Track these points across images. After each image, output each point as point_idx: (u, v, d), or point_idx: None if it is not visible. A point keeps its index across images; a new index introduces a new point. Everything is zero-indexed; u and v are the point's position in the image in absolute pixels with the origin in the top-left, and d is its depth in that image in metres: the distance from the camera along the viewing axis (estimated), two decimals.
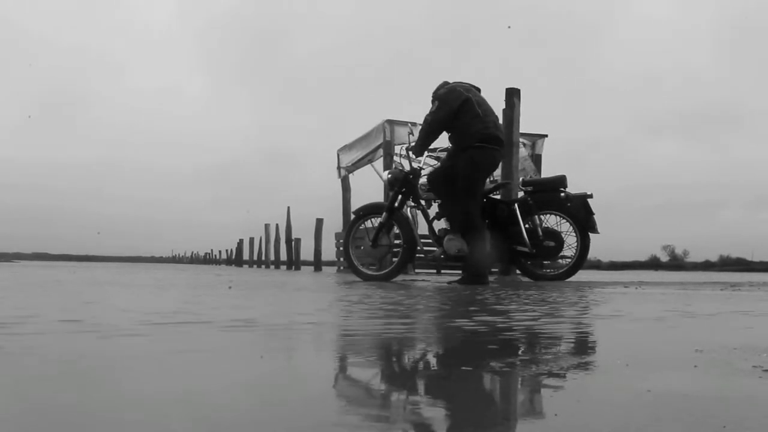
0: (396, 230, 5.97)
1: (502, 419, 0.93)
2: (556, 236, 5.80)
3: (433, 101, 5.46)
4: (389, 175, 5.96)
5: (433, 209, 5.87)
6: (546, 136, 10.23)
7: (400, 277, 6.21)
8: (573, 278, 5.94)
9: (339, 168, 11.61)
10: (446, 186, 5.48)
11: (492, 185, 6.03)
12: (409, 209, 5.92)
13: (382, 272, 6.02)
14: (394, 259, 6.06)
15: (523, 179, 6.53)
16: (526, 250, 5.74)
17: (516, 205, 5.83)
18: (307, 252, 18.83)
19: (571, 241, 5.85)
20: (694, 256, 71.90)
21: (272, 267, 22.26)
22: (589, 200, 5.84)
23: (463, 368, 1.30)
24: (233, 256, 38.15)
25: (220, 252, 48.67)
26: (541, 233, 5.76)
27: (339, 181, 11.73)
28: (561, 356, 1.47)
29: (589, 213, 5.80)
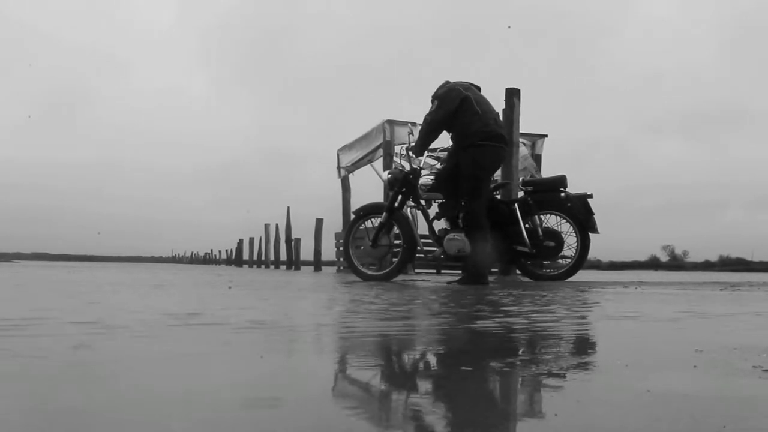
0: (396, 230, 5.97)
1: (502, 419, 0.93)
2: (556, 236, 5.80)
3: (432, 101, 5.46)
4: (389, 175, 5.96)
5: (433, 209, 5.87)
6: (546, 136, 10.23)
7: (400, 277, 6.21)
8: (573, 278, 5.94)
9: (339, 168, 11.60)
10: (451, 185, 5.50)
11: (492, 185, 6.02)
12: (409, 209, 5.92)
13: (382, 272, 6.02)
14: (394, 259, 6.06)
15: (523, 179, 6.52)
16: (526, 250, 5.74)
17: (516, 205, 5.83)
18: (307, 252, 18.84)
19: (571, 241, 5.85)
20: (694, 256, 71.92)
21: (272, 267, 22.25)
22: (589, 200, 5.84)
23: (463, 368, 1.30)
24: (233, 256, 38.13)
25: (220, 252, 48.72)
26: (541, 233, 5.76)
27: (339, 181, 11.73)
28: (561, 356, 1.47)
29: (590, 213, 5.80)
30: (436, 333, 1.99)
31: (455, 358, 1.52)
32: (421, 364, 1.44)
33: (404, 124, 8.62)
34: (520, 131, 7.13)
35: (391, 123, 9.28)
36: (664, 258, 73.69)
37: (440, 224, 5.82)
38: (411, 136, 5.95)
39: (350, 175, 11.57)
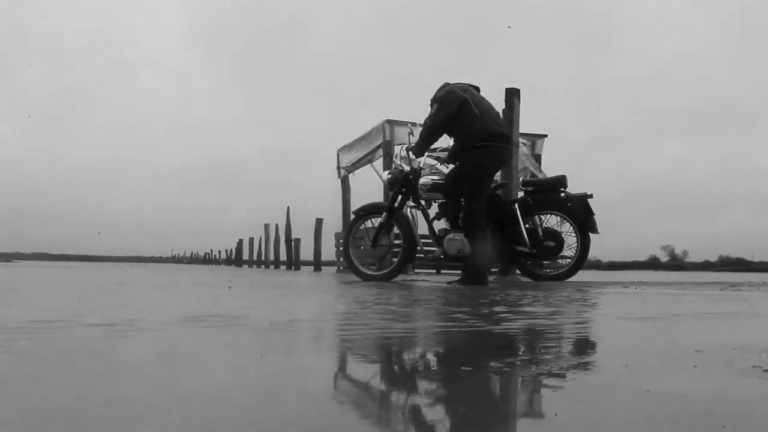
0: (396, 230, 5.96)
1: (501, 419, 0.93)
2: (556, 236, 5.80)
3: (431, 104, 5.48)
4: (389, 176, 5.95)
5: (433, 209, 5.87)
6: (545, 136, 10.23)
7: (400, 277, 6.21)
8: (573, 278, 5.94)
9: (339, 168, 11.60)
10: (452, 186, 5.51)
11: (492, 185, 6.02)
12: (409, 209, 5.92)
13: (382, 272, 6.01)
14: (394, 259, 6.06)
15: (523, 179, 6.52)
16: (526, 250, 5.73)
17: (516, 205, 5.83)
18: (306, 252, 18.82)
19: (571, 241, 5.85)
20: (694, 257, 71.90)
21: (272, 267, 22.25)
22: (589, 200, 5.84)
23: (463, 368, 1.30)
24: (233, 256, 38.12)
25: (219, 252, 48.69)
26: (541, 233, 5.76)
27: (339, 181, 11.73)
28: (561, 356, 1.47)
29: (590, 213, 5.80)
30: (437, 333, 1.99)
31: (455, 358, 1.52)
32: (421, 365, 1.44)
33: (404, 124, 8.61)
34: (520, 131, 7.13)
35: (391, 123, 9.28)
36: (664, 258, 73.70)
37: (440, 224, 5.82)
38: (411, 136, 5.95)
39: (350, 175, 11.57)
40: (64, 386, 1.08)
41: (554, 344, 1.73)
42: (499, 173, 6.50)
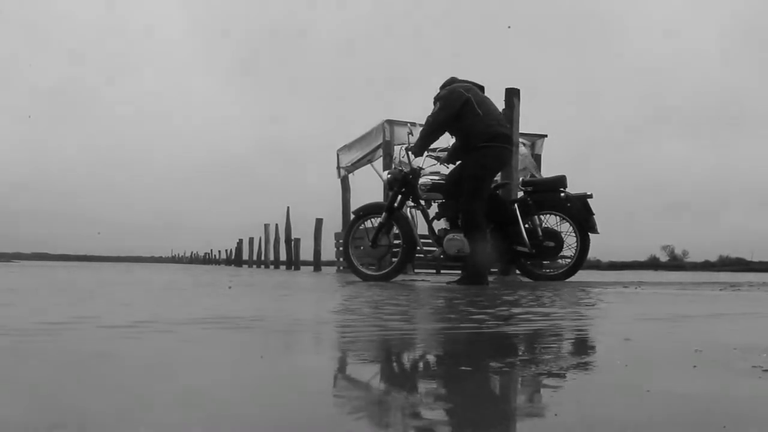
0: (396, 230, 5.96)
1: (501, 419, 0.93)
2: (555, 236, 5.80)
3: (434, 102, 5.46)
4: (389, 175, 5.95)
5: (433, 209, 5.87)
6: (545, 136, 10.22)
7: (399, 277, 6.21)
8: (572, 278, 5.94)
9: (339, 168, 11.60)
10: (453, 187, 5.52)
11: (492, 185, 6.02)
12: (408, 209, 5.91)
13: (382, 272, 6.01)
14: (394, 259, 6.06)
15: (522, 179, 6.52)
16: (525, 250, 5.73)
17: (516, 205, 5.82)
18: (306, 252, 18.80)
19: (570, 241, 5.84)
20: (694, 256, 71.89)
21: (272, 267, 22.25)
22: (588, 200, 5.84)
23: (462, 368, 1.30)
24: (233, 256, 38.12)
25: (219, 252, 48.67)
26: (540, 233, 5.76)
27: (339, 181, 11.73)
28: (560, 356, 1.47)
29: (589, 213, 5.80)
30: (437, 334, 1.99)
31: (455, 358, 1.52)
32: (421, 365, 1.44)
33: (404, 124, 8.61)
34: (520, 131, 7.13)
35: (391, 123, 9.28)
36: (663, 258, 73.71)
37: (440, 224, 5.82)
38: (410, 136, 5.95)
39: (350, 175, 11.57)
40: (97, 388, 1.08)
41: (554, 344, 1.73)
42: (498, 173, 6.50)
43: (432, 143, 5.58)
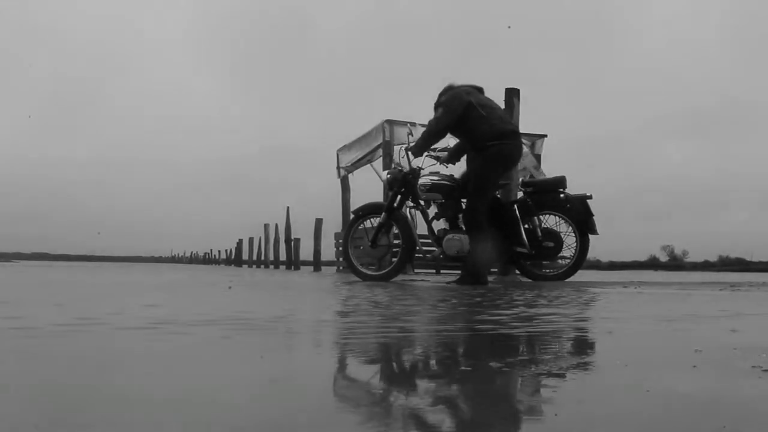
0: (395, 230, 5.96)
1: (501, 419, 0.93)
2: (555, 237, 5.80)
3: (436, 108, 5.49)
4: (388, 176, 5.95)
5: (433, 209, 5.87)
6: (545, 136, 10.22)
7: (399, 277, 6.21)
8: (572, 278, 5.95)
9: (339, 168, 11.60)
10: (462, 188, 5.57)
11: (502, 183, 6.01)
12: (408, 209, 5.91)
13: (382, 272, 6.01)
14: (394, 259, 6.06)
15: (522, 180, 6.52)
16: (525, 251, 5.74)
17: (515, 206, 5.83)
18: (306, 252, 18.81)
19: (570, 241, 5.85)
20: (694, 256, 71.81)
21: (272, 267, 22.25)
22: (588, 201, 5.84)
23: (462, 368, 1.30)
24: (233, 256, 38.13)
25: (219, 252, 48.68)
26: (540, 234, 5.76)
27: (338, 181, 11.73)
28: (560, 356, 1.47)
29: (589, 214, 5.80)
30: (437, 334, 1.99)
31: (455, 358, 1.52)
32: (421, 365, 1.44)
33: (404, 124, 8.61)
34: (520, 131, 7.13)
35: (391, 123, 9.28)
36: (663, 258, 73.63)
37: (439, 224, 5.82)
38: (410, 136, 5.95)
39: (350, 175, 11.57)
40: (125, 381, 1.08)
41: (553, 344, 1.73)
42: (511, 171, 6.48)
43: (432, 145, 5.61)
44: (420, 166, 5.80)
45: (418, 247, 5.97)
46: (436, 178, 5.75)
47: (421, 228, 5.99)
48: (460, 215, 5.59)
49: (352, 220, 6.28)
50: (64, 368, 1.25)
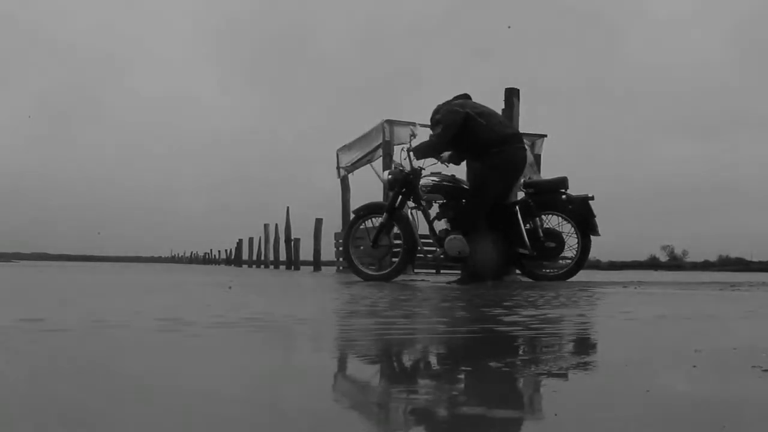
0: (396, 230, 5.96)
1: (501, 419, 0.93)
2: (556, 237, 5.80)
3: (434, 126, 5.55)
4: (389, 176, 5.95)
5: (434, 210, 5.87)
6: (545, 136, 10.20)
7: (400, 277, 6.22)
8: (573, 278, 5.95)
9: (338, 168, 11.60)
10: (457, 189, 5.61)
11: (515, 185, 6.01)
12: (409, 210, 5.91)
13: (382, 272, 6.01)
14: (394, 260, 6.06)
15: (524, 180, 6.52)
16: (526, 252, 5.73)
17: (516, 207, 5.82)
18: (306, 252, 18.78)
19: (571, 242, 5.84)
20: (694, 256, 71.87)
21: (272, 267, 22.24)
22: (590, 202, 5.84)
23: (462, 368, 1.30)
24: (233, 256, 38.11)
25: (219, 252, 48.65)
26: (541, 234, 5.76)
27: (338, 181, 11.73)
28: (561, 356, 1.48)
29: (591, 215, 5.80)
30: (437, 334, 2.00)
31: (455, 358, 1.52)
32: (422, 365, 1.44)
33: (404, 124, 8.61)
34: (520, 131, 7.13)
35: (391, 123, 9.27)
36: (663, 258, 73.72)
37: (441, 225, 5.82)
38: (413, 137, 5.97)
39: (350, 175, 11.57)
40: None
41: (554, 344, 1.73)
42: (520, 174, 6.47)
43: (433, 156, 5.67)
44: (421, 166, 5.81)
45: (419, 248, 5.97)
46: (437, 178, 5.75)
47: (422, 228, 5.99)
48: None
49: (353, 219, 6.28)
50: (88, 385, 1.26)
